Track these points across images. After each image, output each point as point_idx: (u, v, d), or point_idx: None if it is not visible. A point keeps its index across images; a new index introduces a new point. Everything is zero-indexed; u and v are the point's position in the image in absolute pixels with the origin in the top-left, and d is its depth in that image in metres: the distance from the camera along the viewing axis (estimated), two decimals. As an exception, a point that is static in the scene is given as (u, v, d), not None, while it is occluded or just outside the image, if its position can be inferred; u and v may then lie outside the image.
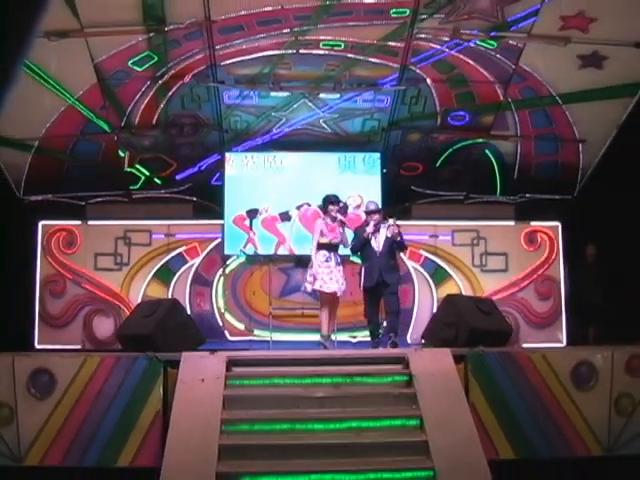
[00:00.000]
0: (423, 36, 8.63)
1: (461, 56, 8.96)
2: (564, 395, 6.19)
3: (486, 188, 10.29)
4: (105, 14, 7.99)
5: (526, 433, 6.02)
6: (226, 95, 9.47)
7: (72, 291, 9.75)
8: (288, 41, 8.67)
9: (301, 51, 8.85)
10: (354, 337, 9.49)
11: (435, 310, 9.36)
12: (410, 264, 9.94)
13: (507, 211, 10.28)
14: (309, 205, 9.86)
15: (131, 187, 10.13)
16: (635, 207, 8.66)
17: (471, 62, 9.04)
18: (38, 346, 9.44)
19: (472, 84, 9.36)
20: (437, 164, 10.20)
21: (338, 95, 9.53)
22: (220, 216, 9.92)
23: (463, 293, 9.68)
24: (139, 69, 8.86)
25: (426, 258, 10.04)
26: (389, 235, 7.59)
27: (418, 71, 9.17)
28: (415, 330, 9.56)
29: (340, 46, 8.80)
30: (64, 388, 6.00)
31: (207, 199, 10.17)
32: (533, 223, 10.19)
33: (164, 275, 9.87)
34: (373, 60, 9.03)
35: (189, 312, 9.06)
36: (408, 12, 8.26)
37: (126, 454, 5.85)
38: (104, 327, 9.68)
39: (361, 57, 8.98)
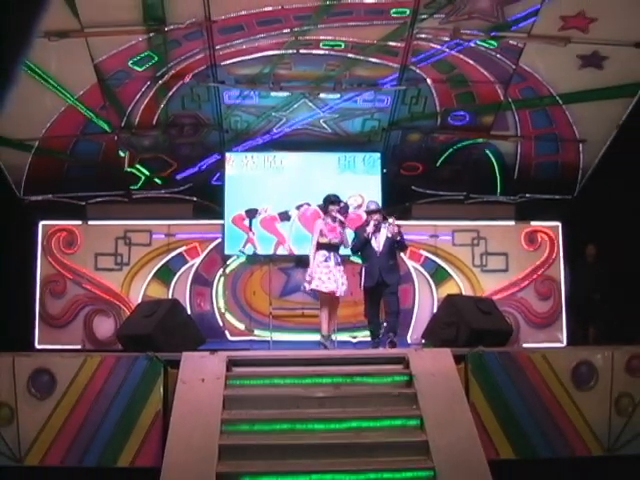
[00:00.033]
0: (423, 36, 8.63)
1: (461, 56, 8.96)
2: (564, 395, 6.18)
3: (486, 188, 10.29)
4: (105, 14, 7.99)
5: (526, 433, 6.02)
6: (226, 95, 9.47)
7: (72, 291, 9.75)
8: (288, 41, 8.67)
9: (301, 51, 8.84)
10: (354, 337, 9.49)
11: (435, 310, 9.36)
12: (410, 264, 9.93)
13: (507, 211, 10.28)
14: (309, 205, 9.86)
15: (131, 187, 10.14)
16: (635, 207, 8.66)
17: (471, 62, 9.03)
18: (38, 346, 9.44)
19: (472, 84, 9.35)
20: (437, 164, 10.20)
21: (338, 95, 9.53)
22: (220, 216, 9.92)
23: (463, 293, 9.68)
24: (139, 69, 8.86)
25: (426, 258, 10.04)
26: (389, 235, 7.59)
27: (418, 71, 9.17)
28: (415, 330, 9.56)
29: (340, 46, 8.79)
30: (64, 388, 6.00)
31: (207, 199, 10.17)
32: (533, 223, 10.19)
33: (164, 275, 9.87)
34: (373, 60, 9.03)
35: (189, 312, 9.06)
36: (408, 12, 8.25)
37: (126, 454, 5.85)
38: (104, 327, 9.68)
39: (361, 57, 8.98)
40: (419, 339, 8.99)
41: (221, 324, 9.80)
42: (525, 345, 9.50)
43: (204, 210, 10.14)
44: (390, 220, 7.63)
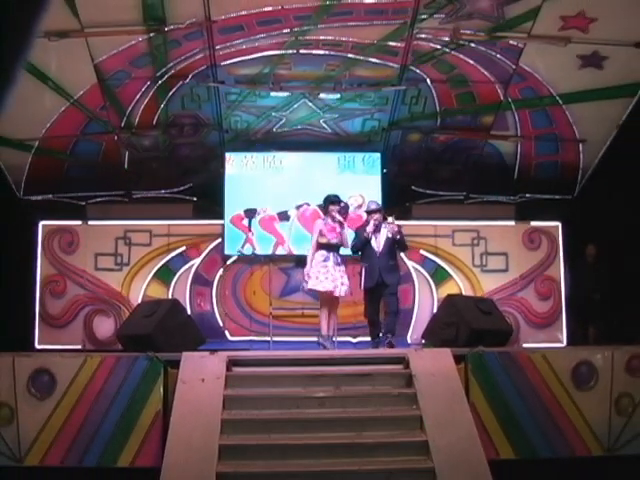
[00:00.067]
0: (423, 36, 8.63)
1: (461, 56, 8.96)
2: (564, 395, 6.19)
3: (486, 188, 10.29)
4: (105, 14, 7.98)
5: (526, 433, 6.02)
6: (226, 95, 9.47)
7: (72, 291, 9.74)
8: (288, 41, 8.66)
9: (301, 51, 8.83)
10: (354, 337, 9.49)
11: (435, 310, 9.36)
12: (410, 264, 9.93)
13: (507, 211, 10.27)
14: (308, 205, 9.86)
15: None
16: (635, 207, 8.66)
17: (471, 62, 9.03)
18: (38, 346, 9.43)
19: (472, 84, 9.34)
20: (437, 164, 10.19)
21: (338, 95, 9.53)
22: (220, 216, 9.92)
23: (463, 293, 9.68)
24: (139, 69, 8.86)
25: (426, 258, 10.03)
26: (389, 235, 7.59)
27: (418, 71, 9.18)
28: (415, 330, 9.56)
29: (340, 46, 8.79)
30: (64, 388, 6.00)
31: (207, 199, 10.17)
32: (533, 223, 10.18)
33: (164, 275, 9.87)
34: (373, 60, 9.02)
35: (189, 312, 9.06)
36: (408, 12, 8.25)
37: (126, 454, 5.85)
38: (104, 327, 9.67)
39: (361, 57, 8.98)
40: (419, 339, 8.99)
41: (221, 324, 9.81)
42: (525, 345, 9.49)
43: (204, 210, 10.14)
44: (390, 219, 7.63)
